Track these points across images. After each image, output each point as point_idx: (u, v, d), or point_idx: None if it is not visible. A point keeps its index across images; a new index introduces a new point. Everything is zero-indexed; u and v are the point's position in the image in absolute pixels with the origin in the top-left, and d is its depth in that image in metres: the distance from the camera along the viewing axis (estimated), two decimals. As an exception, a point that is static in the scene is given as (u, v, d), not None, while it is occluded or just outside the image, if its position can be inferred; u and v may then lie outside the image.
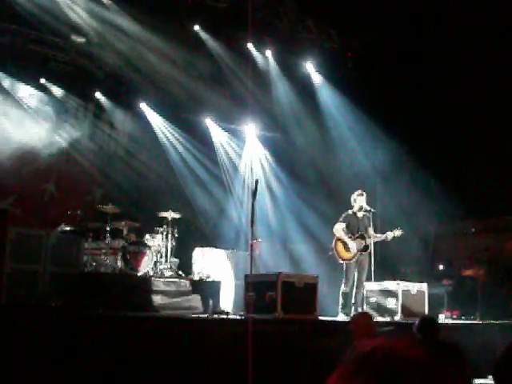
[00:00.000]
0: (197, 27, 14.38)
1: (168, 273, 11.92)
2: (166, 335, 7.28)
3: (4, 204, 13.42)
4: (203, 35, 14.52)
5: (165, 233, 12.38)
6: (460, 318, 12.37)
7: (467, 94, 15.38)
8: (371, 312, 10.42)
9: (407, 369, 1.23)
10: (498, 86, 14.57)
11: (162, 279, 11.07)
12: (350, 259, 10.62)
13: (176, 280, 11.29)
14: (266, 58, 15.55)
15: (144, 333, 7.19)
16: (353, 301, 10.59)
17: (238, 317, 9.18)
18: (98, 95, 15.47)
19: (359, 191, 11.05)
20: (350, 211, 10.92)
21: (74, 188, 14.89)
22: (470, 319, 12.20)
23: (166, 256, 12.23)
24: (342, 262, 10.67)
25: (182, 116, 15.49)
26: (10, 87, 14.15)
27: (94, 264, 11.64)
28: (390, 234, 10.84)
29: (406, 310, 10.32)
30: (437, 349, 6.48)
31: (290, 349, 7.88)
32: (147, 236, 12.31)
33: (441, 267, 15.76)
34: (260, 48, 15.29)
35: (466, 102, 15.53)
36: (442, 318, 12.06)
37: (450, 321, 11.90)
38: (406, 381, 1.20)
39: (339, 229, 10.74)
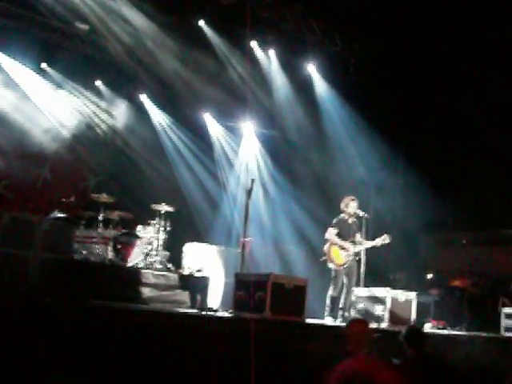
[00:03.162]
0: (201, 22, 14.36)
1: (158, 265, 11.91)
2: (152, 329, 7.28)
3: (-3, 188, 13.42)
4: (207, 31, 14.50)
5: (157, 225, 12.38)
6: (446, 329, 12.41)
7: (465, 101, 15.42)
8: (358, 317, 10.47)
9: None
10: (499, 93, 14.64)
11: (151, 271, 11.07)
12: (343, 265, 10.65)
13: (165, 273, 11.30)
14: (268, 57, 15.55)
15: (131, 325, 7.19)
16: (341, 305, 10.61)
17: (225, 314, 9.20)
18: (98, 83, 15.49)
19: (351, 196, 11.05)
20: (341, 216, 10.92)
21: (69, 175, 14.89)
22: (456, 330, 12.25)
23: (157, 249, 12.22)
24: (333, 267, 10.68)
25: (181, 110, 15.49)
26: (10, 69, 14.14)
27: (85, 252, 11.64)
28: (378, 241, 10.84)
29: (393, 318, 10.34)
30: (421, 358, 6.56)
31: (276, 350, 7.89)
32: (139, 227, 12.33)
33: (429, 276, 15.81)
34: (263, 47, 15.29)
35: (464, 109, 15.57)
36: (428, 327, 12.10)
37: (436, 331, 11.93)
38: None
39: (333, 234, 10.74)
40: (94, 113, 15.56)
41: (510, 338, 12.05)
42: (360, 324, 6.57)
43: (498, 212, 15.94)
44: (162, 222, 12.42)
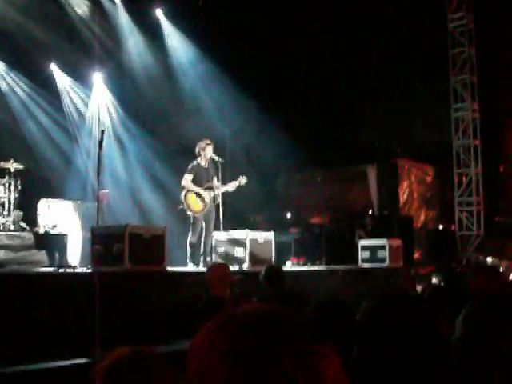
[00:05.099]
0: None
1: (11, 226, 11.44)
2: (9, 292, 7.01)
3: None
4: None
5: (7, 184, 11.82)
6: (306, 265, 12.79)
7: (315, 46, 15.74)
8: (220, 261, 10.56)
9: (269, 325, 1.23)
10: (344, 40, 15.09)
11: (4, 233, 10.64)
12: (201, 211, 10.63)
13: (20, 233, 10.89)
14: (114, 3, 15.10)
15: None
16: (201, 250, 10.64)
17: (84, 270, 9.01)
18: None
19: (207, 140, 10.93)
20: (196, 161, 10.79)
21: None
22: (316, 265, 12.65)
23: (9, 209, 11.71)
24: (191, 214, 10.63)
25: (24, 61, 14.71)
26: None
27: None
28: (235, 183, 10.92)
29: (253, 259, 10.46)
30: (282, 296, 6.69)
31: (139, 301, 7.83)
32: (-13, 188, 11.74)
33: (288, 215, 16.18)
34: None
35: (314, 53, 15.90)
36: (289, 265, 12.41)
37: (297, 268, 12.27)
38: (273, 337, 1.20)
39: (188, 180, 10.65)
40: None
41: (365, 268, 12.61)
42: (220, 268, 6.75)
43: (350, 150, 16.54)
44: (12, 181, 11.87)
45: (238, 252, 10.57)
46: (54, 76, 15.45)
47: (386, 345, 2.01)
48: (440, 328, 2.16)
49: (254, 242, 10.64)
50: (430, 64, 15.96)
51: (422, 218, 18.18)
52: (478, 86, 16.39)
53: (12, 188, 11.82)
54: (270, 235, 11.10)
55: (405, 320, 2.03)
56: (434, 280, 8.13)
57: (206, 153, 10.76)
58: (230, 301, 6.25)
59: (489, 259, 14.29)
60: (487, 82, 16.51)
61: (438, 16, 16.20)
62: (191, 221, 10.66)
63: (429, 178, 18.78)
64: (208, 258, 10.64)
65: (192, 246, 10.58)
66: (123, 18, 15.29)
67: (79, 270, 9.25)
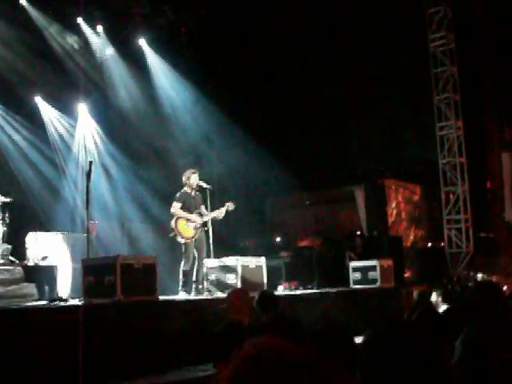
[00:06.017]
0: (23, 1, 13.71)
1: (0, 260, 11.34)
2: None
3: None
4: (30, 9, 13.86)
5: (-6, 218, 11.74)
6: (298, 289, 12.74)
7: (298, 70, 15.85)
8: (212, 288, 10.53)
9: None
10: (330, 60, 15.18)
11: (-7, 267, 10.54)
12: (192, 237, 10.60)
13: (9, 267, 10.78)
14: (97, 33, 15.13)
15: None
16: (194, 278, 10.59)
17: (76, 302, 8.93)
18: None
19: (192, 169, 11.00)
20: (184, 190, 10.83)
21: None
22: (308, 289, 12.61)
23: (-3, 242, 11.61)
24: (183, 241, 10.60)
25: (9, 94, 14.69)
26: None
27: None
28: (222, 210, 10.91)
29: (245, 285, 10.43)
30: (276, 322, 6.66)
31: (132, 331, 7.77)
32: (-26, 223, 11.65)
33: (278, 239, 16.17)
34: (91, 23, 14.85)
35: (295, 77, 16.01)
36: (281, 290, 12.37)
37: (289, 292, 12.22)
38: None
39: (177, 208, 10.66)
40: None
41: (357, 289, 12.61)
42: (240, 292, 6.75)
43: (337, 172, 16.60)
44: (0, 214, 11.80)
45: (230, 278, 10.53)
46: (39, 108, 15.39)
47: (390, 372, 2.00)
48: (442, 353, 2.15)
49: (245, 267, 10.62)
50: (413, 83, 16.10)
51: (411, 237, 18.23)
52: (461, 104, 16.49)
53: (0, 221, 11.74)
54: (261, 260, 11.07)
55: (409, 347, 2.03)
56: (434, 297, 8.11)
57: (192, 181, 10.79)
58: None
59: (479, 275, 14.34)
60: (470, 100, 16.63)
61: (419, 36, 16.38)
62: (183, 250, 10.62)
63: (416, 197, 18.86)
64: (200, 286, 10.60)
65: (185, 274, 10.52)
66: (107, 49, 15.33)
67: (70, 302, 9.16)
